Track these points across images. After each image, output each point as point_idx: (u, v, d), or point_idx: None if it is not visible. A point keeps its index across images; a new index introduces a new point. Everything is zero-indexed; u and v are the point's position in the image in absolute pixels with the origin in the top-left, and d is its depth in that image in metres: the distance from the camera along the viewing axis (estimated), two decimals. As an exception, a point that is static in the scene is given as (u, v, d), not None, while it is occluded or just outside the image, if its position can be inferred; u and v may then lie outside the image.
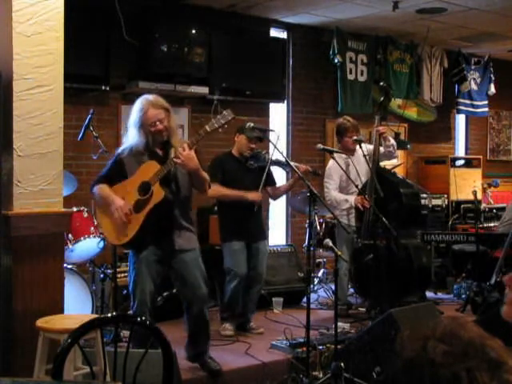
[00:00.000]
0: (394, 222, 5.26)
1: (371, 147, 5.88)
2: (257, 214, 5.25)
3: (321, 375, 4.35)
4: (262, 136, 5.09)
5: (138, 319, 2.66)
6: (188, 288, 4.09)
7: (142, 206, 3.99)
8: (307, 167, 5.11)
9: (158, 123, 3.97)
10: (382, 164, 5.93)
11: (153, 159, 4.03)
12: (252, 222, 5.22)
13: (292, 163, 4.82)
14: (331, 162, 5.71)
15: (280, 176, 6.69)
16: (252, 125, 4.85)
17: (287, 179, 7.01)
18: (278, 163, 5.27)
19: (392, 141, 5.88)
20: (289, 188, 5.66)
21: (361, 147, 5.50)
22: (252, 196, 5.09)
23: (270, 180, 5.39)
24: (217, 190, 5.02)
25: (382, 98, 5.97)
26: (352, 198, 5.67)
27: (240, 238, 5.16)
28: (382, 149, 5.84)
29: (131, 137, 4.05)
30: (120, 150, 4.14)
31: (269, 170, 5.19)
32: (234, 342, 5.04)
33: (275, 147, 4.64)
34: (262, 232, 5.39)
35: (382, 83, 6.42)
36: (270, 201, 6.45)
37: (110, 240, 4.27)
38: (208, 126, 3.98)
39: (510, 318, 1.42)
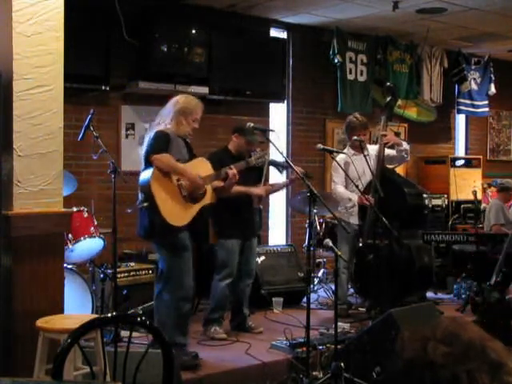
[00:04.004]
0: (397, 222, 5.27)
1: (374, 147, 5.91)
2: (254, 212, 5.28)
3: (321, 375, 4.35)
4: (263, 140, 5.07)
5: (138, 319, 2.65)
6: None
7: (196, 198, 4.37)
8: (300, 169, 5.06)
9: (197, 123, 4.50)
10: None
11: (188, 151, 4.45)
12: (249, 221, 5.24)
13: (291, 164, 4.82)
14: (339, 157, 5.73)
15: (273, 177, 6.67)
16: (252, 125, 4.84)
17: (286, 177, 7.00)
18: (274, 164, 5.27)
19: (404, 145, 5.86)
20: (282, 187, 5.64)
21: (361, 147, 5.50)
22: (257, 191, 5.15)
23: (261, 178, 5.36)
24: None
25: (388, 99, 5.96)
26: (355, 197, 5.68)
27: (237, 237, 5.16)
28: (394, 152, 5.83)
29: (178, 124, 4.37)
30: (163, 129, 4.34)
31: (267, 167, 5.20)
32: (233, 341, 5.04)
33: (276, 148, 4.64)
34: (255, 229, 5.40)
35: (388, 83, 6.42)
36: (270, 201, 6.44)
37: (165, 216, 4.19)
38: (253, 158, 4.86)
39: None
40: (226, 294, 5.16)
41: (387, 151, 5.80)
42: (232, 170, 4.58)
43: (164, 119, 4.41)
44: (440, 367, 0.97)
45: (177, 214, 4.25)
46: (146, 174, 4.28)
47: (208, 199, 4.47)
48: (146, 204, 4.20)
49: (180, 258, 4.29)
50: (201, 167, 4.46)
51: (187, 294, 4.33)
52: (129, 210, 4.63)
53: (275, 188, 5.64)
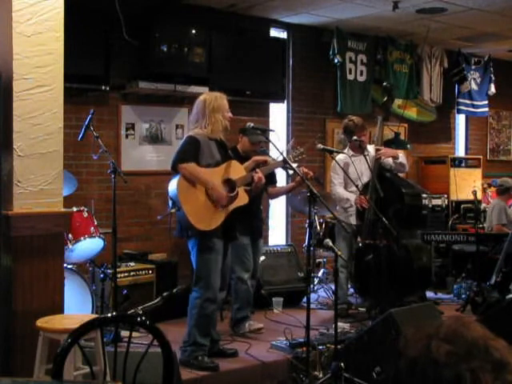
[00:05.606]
0: (395, 222, 5.26)
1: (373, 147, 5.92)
2: (259, 212, 5.34)
3: (321, 375, 4.35)
4: (264, 140, 5.06)
5: (138, 319, 2.65)
6: (225, 273, 4.55)
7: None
8: (309, 172, 4.98)
9: (229, 111, 4.53)
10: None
11: (220, 151, 4.45)
12: (256, 219, 5.29)
13: (294, 165, 4.80)
14: (338, 158, 5.73)
15: (280, 177, 6.67)
16: (252, 125, 4.83)
17: (287, 181, 6.99)
18: (283, 167, 5.25)
19: (400, 159, 5.81)
20: (289, 190, 5.66)
21: (360, 147, 5.50)
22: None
23: (272, 179, 5.39)
24: None
25: (384, 99, 5.96)
26: (353, 198, 5.69)
27: (247, 234, 5.19)
28: (392, 163, 5.81)
29: (216, 123, 4.38)
30: (193, 133, 4.37)
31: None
32: (233, 341, 5.03)
33: (276, 148, 4.64)
34: (261, 229, 5.45)
35: (385, 83, 6.41)
36: (270, 201, 6.44)
37: (192, 222, 4.26)
38: (292, 156, 4.87)
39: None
40: (248, 290, 5.21)
41: (385, 161, 5.79)
42: (258, 174, 4.58)
43: (200, 123, 4.41)
44: (443, 366, 0.96)
45: (204, 218, 4.29)
46: (173, 182, 4.33)
47: (240, 201, 4.48)
48: (173, 210, 4.31)
49: (209, 259, 4.34)
50: (233, 170, 4.48)
51: (214, 296, 4.38)
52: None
53: (280, 191, 5.64)
